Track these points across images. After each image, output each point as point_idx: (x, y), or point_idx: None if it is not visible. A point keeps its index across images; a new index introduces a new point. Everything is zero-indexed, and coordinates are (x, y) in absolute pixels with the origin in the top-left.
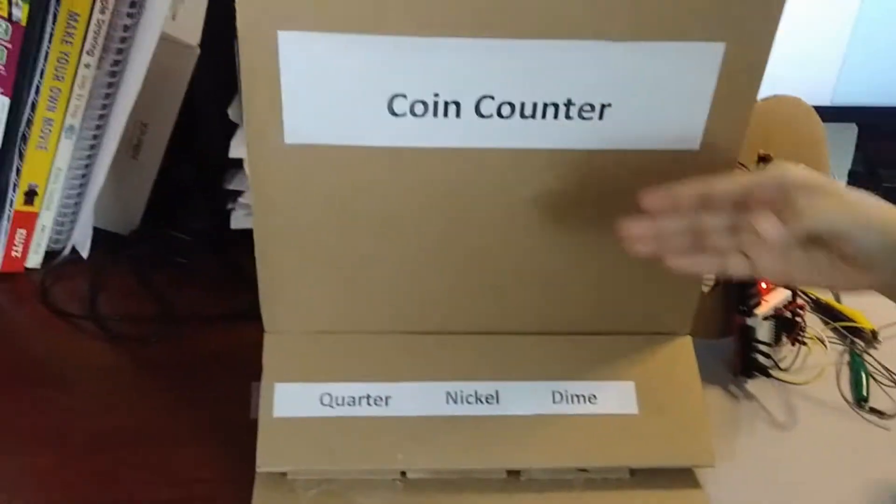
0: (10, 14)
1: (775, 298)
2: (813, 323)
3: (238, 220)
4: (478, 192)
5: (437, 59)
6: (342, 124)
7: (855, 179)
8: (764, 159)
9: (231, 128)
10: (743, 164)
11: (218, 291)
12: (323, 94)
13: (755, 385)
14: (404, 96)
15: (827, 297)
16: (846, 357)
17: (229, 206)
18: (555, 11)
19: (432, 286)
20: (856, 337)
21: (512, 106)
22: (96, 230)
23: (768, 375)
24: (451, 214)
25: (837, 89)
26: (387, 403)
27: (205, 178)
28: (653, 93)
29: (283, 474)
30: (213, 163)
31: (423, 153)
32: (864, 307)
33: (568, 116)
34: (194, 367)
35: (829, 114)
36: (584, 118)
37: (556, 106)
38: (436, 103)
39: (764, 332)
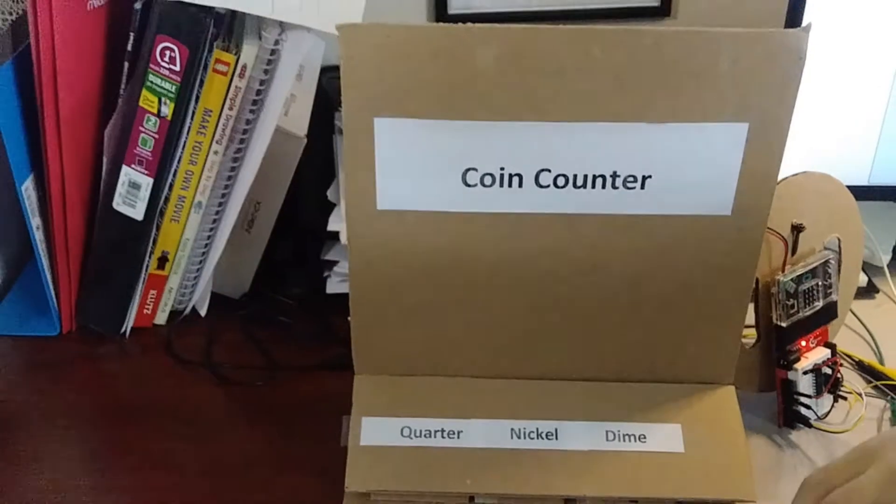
0: (158, 111)
1: (815, 355)
2: (855, 382)
3: (333, 286)
4: (539, 253)
5: (503, 138)
6: (425, 193)
7: None
8: (798, 228)
9: (329, 207)
10: (779, 233)
11: (314, 346)
12: (409, 168)
13: (798, 435)
14: (475, 170)
15: (870, 359)
16: (887, 413)
17: (326, 273)
18: (601, 99)
19: (500, 336)
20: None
21: (566, 178)
22: (213, 293)
23: (810, 426)
24: (514, 271)
25: (875, 169)
26: (459, 437)
27: (306, 250)
28: (688, 166)
29: (367, 495)
30: (313, 237)
31: (492, 218)
32: None
33: (614, 186)
34: (292, 409)
35: (868, 193)
36: (628, 188)
37: (603, 177)
38: (501, 175)
39: (805, 385)
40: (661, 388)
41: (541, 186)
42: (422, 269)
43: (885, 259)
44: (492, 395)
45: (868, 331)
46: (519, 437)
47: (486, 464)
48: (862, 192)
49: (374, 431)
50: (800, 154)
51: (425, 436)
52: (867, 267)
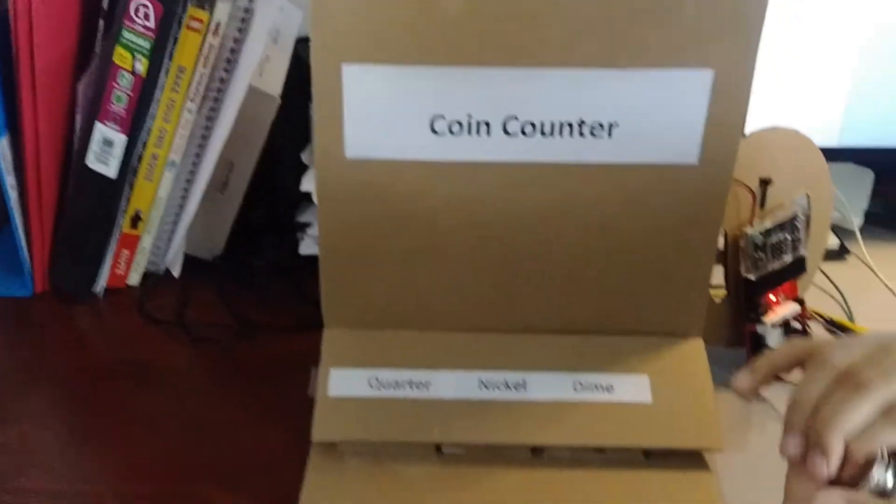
0: (133, 68)
1: (784, 310)
2: (825, 338)
3: (306, 248)
4: (506, 202)
5: (471, 84)
6: (393, 141)
7: (872, 221)
8: (766, 182)
9: (303, 169)
10: (747, 186)
11: (287, 308)
12: (378, 115)
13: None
14: (443, 117)
15: (840, 316)
16: None
17: (299, 235)
18: (569, 44)
19: (470, 288)
20: None
21: (533, 125)
22: (186, 255)
23: (779, 380)
24: (483, 222)
25: (844, 130)
26: (427, 388)
27: (280, 212)
28: (654, 113)
29: (334, 445)
30: (288, 200)
31: (460, 166)
32: (879, 325)
33: (581, 134)
34: (265, 368)
35: (838, 155)
36: (595, 136)
37: (570, 125)
38: (469, 123)
39: (774, 339)
40: (629, 340)
41: (508, 134)
42: (391, 219)
43: (857, 223)
44: (460, 347)
45: (839, 291)
46: (487, 388)
47: (454, 414)
48: (832, 154)
49: (342, 382)
50: (769, 114)
51: (393, 387)
52: (839, 231)
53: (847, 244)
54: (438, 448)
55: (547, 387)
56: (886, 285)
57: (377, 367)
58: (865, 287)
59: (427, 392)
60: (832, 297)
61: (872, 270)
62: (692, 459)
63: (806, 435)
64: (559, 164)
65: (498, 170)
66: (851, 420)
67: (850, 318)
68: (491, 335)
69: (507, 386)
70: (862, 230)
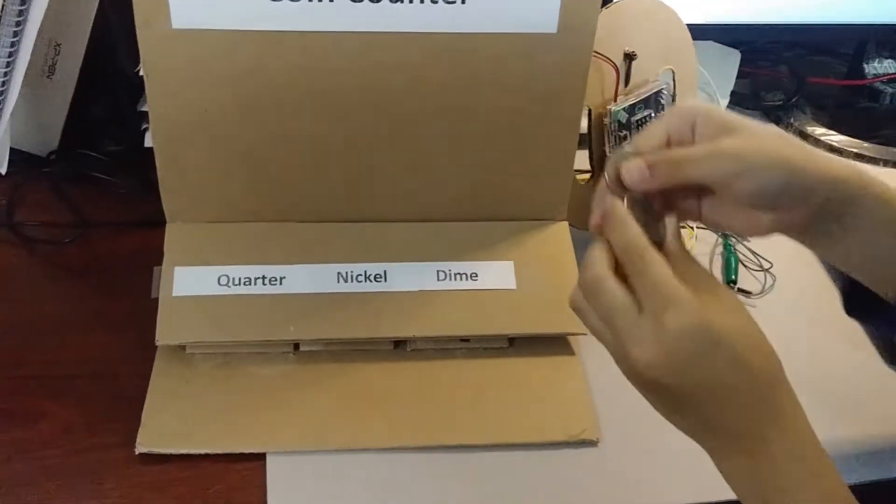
0: None
1: None
2: None
3: (151, 139)
4: (352, 77)
5: None
6: (225, 9)
7: (737, 101)
8: (630, 56)
9: None
10: (610, 60)
11: (130, 203)
12: None
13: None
14: None
15: None
16: (719, 247)
17: (144, 126)
18: None
19: (321, 176)
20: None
21: None
22: (16, 151)
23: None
24: (328, 101)
25: (710, 6)
26: (281, 283)
27: (120, 100)
28: None
29: (182, 348)
30: (127, 84)
31: (301, 38)
32: None
33: (434, 1)
34: (107, 266)
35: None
36: (448, 2)
37: None
38: None
39: None
40: (493, 226)
41: (354, 0)
42: (229, 98)
43: (724, 103)
44: (316, 239)
45: None
46: (346, 281)
47: (311, 309)
48: (698, 32)
49: (187, 281)
50: None
51: (245, 284)
52: None
53: None
54: (296, 346)
55: (409, 277)
56: None
57: (226, 263)
58: None
59: (281, 288)
60: None
61: None
62: (557, 344)
63: None
64: (408, 34)
65: (345, 41)
66: None
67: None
68: (348, 225)
69: (367, 278)
70: (728, 109)
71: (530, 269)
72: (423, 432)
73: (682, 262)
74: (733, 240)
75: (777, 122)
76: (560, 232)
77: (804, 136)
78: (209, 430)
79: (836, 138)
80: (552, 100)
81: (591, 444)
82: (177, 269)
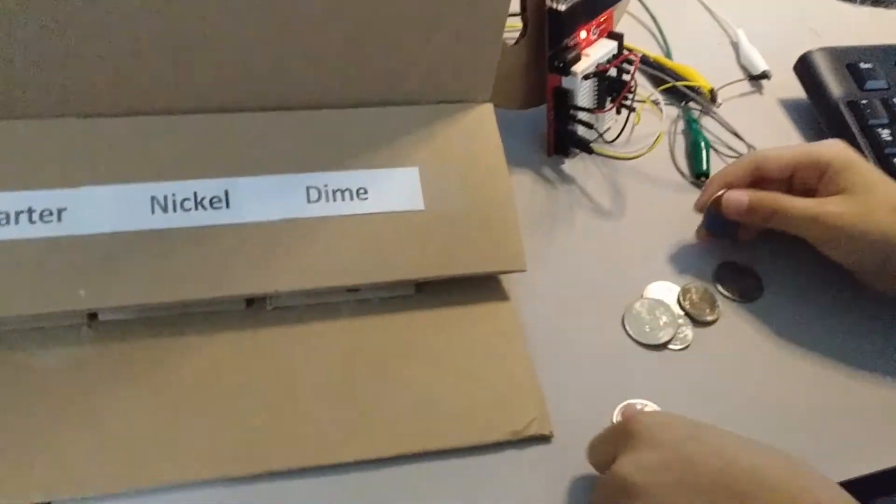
0: None
1: (598, 51)
2: (642, 84)
3: None
4: None
5: None
6: None
7: None
8: None
9: None
10: None
11: None
12: None
13: (574, 165)
14: None
15: (656, 54)
16: (680, 124)
17: None
18: None
19: (114, 42)
20: (692, 100)
21: None
22: None
23: (590, 151)
24: None
25: None
26: (60, 218)
27: None
28: None
29: None
30: None
31: None
32: (700, 63)
33: None
34: None
35: None
36: None
37: None
38: None
39: (584, 95)
40: (388, 114)
41: None
42: None
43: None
44: (112, 144)
45: (653, 19)
46: (164, 210)
47: (111, 260)
48: None
49: None
50: None
51: (1, 223)
52: None
53: None
54: (92, 316)
55: (264, 199)
56: (704, 4)
57: None
58: (679, 8)
59: (60, 227)
60: (645, 26)
61: None
62: (484, 288)
63: None
64: None
65: None
66: None
67: (668, 55)
68: (166, 120)
69: (199, 204)
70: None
71: (443, 178)
72: (298, 447)
73: None
74: (696, 112)
75: None
76: (482, 119)
77: None
78: None
79: None
80: None
81: (543, 440)
82: None
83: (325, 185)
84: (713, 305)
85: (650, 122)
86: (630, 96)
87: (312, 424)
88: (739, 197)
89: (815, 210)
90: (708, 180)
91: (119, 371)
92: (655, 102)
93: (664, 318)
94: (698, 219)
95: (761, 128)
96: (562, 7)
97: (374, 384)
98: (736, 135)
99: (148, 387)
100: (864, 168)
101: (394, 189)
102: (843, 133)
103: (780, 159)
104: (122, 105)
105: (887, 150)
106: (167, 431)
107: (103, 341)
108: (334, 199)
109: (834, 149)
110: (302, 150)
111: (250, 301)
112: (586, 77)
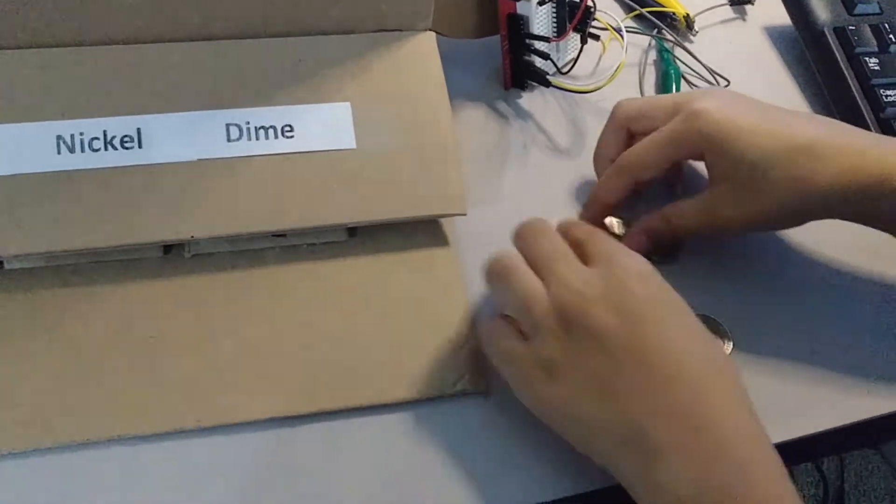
0: None
1: None
2: (611, 9)
3: None
4: None
5: None
6: None
7: None
8: None
9: None
10: None
11: None
12: None
13: (533, 99)
14: None
15: None
16: (652, 54)
17: None
18: None
19: None
20: (665, 27)
21: None
22: None
23: (547, 85)
24: None
25: None
26: None
27: None
28: None
29: None
30: None
31: None
32: None
33: None
34: None
35: None
36: None
37: None
38: None
39: (541, 22)
40: (316, 44)
41: None
42: None
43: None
44: (14, 78)
45: None
46: (71, 151)
47: (13, 204)
48: None
49: None
50: None
51: None
52: None
53: None
54: None
55: (179, 138)
56: None
57: None
58: None
59: None
60: None
61: None
62: (421, 232)
63: None
64: None
65: None
66: None
67: None
68: (72, 52)
69: (109, 143)
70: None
71: (377, 114)
72: (213, 403)
73: None
74: (670, 43)
75: None
76: (423, 48)
77: None
78: None
79: None
80: None
81: (478, 394)
82: None
83: (247, 123)
84: None
85: (618, 52)
86: (588, 21)
87: (230, 379)
88: (638, 242)
89: (707, 219)
90: (588, 201)
91: (23, 322)
92: (617, 30)
93: None
94: None
95: (742, 59)
96: None
97: (298, 336)
98: (710, 70)
99: (54, 339)
100: (738, 142)
101: (322, 126)
102: (827, 63)
103: (654, 165)
104: (24, 36)
105: (874, 81)
106: (72, 386)
107: (8, 290)
108: (257, 138)
109: (706, 127)
110: (221, 85)
111: (168, 248)
112: (542, 2)
